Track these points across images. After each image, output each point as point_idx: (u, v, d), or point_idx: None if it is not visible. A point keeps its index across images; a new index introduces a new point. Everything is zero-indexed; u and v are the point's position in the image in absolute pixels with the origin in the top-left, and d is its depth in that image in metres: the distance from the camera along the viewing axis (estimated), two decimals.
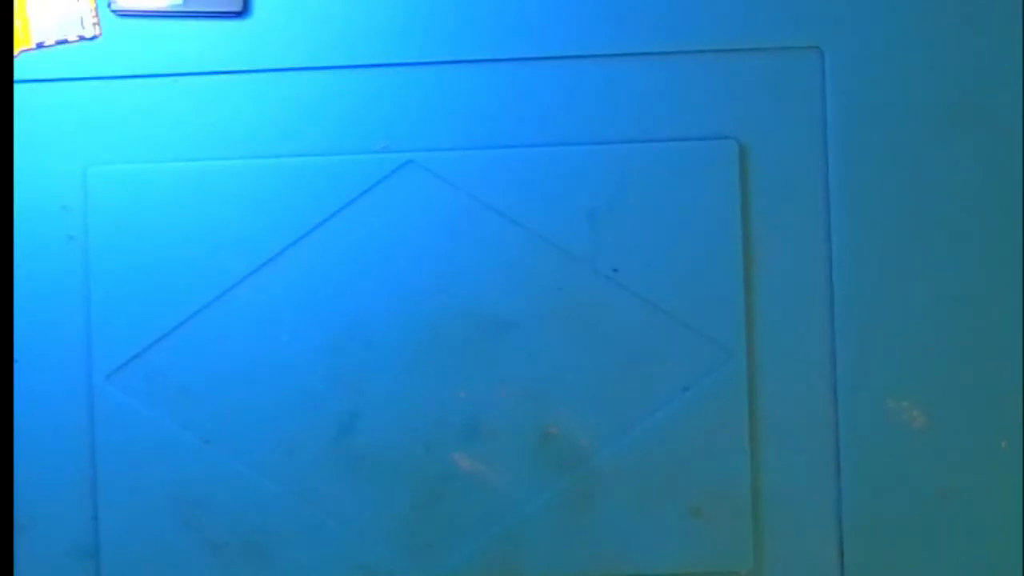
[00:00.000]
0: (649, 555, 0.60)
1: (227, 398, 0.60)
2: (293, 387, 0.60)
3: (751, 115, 0.61)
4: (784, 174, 0.61)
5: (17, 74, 0.60)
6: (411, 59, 0.61)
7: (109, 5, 0.60)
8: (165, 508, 0.60)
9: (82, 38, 0.61)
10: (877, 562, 0.60)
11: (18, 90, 0.60)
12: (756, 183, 0.61)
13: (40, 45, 0.61)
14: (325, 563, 0.60)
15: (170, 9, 0.60)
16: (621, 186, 0.60)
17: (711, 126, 0.61)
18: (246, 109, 0.61)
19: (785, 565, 0.60)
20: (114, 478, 0.60)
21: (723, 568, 0.60)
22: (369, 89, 0.61)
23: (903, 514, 0.60)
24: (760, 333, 0.60)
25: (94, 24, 0.61)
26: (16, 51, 0.60)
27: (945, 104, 0.61)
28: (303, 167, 0.61)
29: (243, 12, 0.61)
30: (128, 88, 0.61)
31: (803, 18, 0.61)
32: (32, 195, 0.61)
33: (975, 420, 0.60)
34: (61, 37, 0.61)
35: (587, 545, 0.60)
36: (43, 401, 0.60)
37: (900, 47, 0.61)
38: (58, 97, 0.61)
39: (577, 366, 0.60)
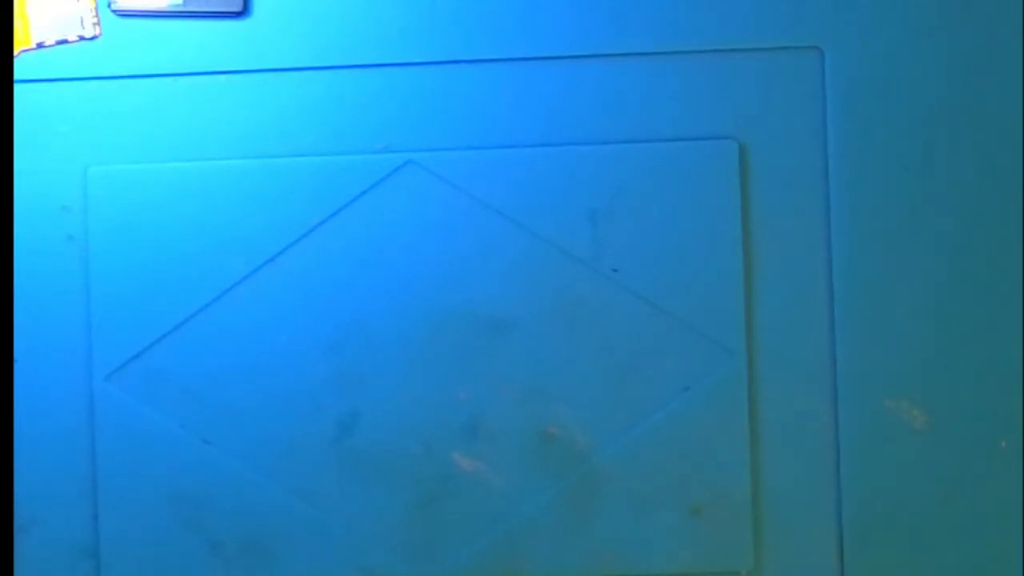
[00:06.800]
0: (649, 555, 0.60)
1: (227, 398, 0.60)
2: (293, 387, 0.60)
3: (751, 115, 0.61)
4: (784, 174, 0.61)
5: (17, 74, 0.60)
6: (411, 59, 0.61)
7: (109, 5, 0.60)
8: (165, 508, 0.60)
9: (82, 38, 0.61)
10: (877, 562, 0.60)
11: (18, 90, 0.60)
12: (756, 183, 0.61)
13: (40, 45, 0.61)
14: (325, 563, 0.60)
15: (170, 9, 0.60)
16: (621, 186, 0.60)
17: (711, 126, 0.61)
18: (246, 109, 0.61)
19: (785, 565, 0.60)
20: (114, 478, 0.60)
21: (723, 568, 0.60)
22: (369, 89, 0.61)
23: (903, 514, 0.60)
24: (760, 333, 0.60)
25: (94, 24, 0.61)
26: (16, 51, 0.60)
27: (945, 104, 0.61)
28: (303, 167, 0.61)
29: (243, 12, 0.61)
30: (128, 88, 0.61)
31: (803, 18, 0.61)
32: (32, 195, 0.61)
33: (975, 420, 0.60)
34: (61, 37, 0.61)
35: (587, 545, 0.60)
36: (43, 401, 0.60)
37: (900, 47, 0.61)
38: (58, 97, 0.61)
39: (577, 366, 0.60)
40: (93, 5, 0.61)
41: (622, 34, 0.61)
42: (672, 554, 0.60)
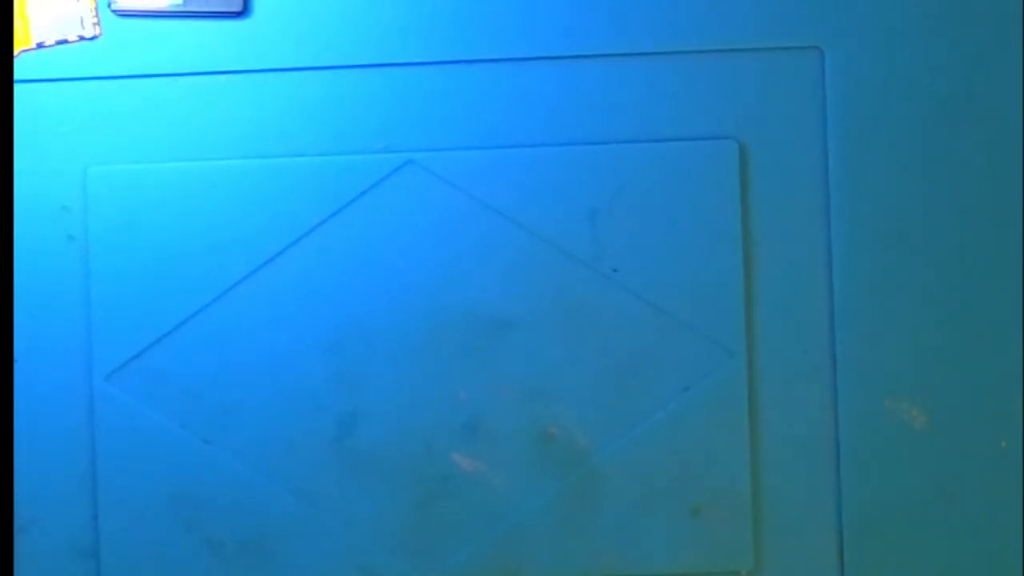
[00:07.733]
0: (649, 555, 0.60)
1: (227, 398, 0.60)
2: (293, 387, 0.60)
3: (751, 115, 0.61)
4: (784, 174, 0.61)
5: (17, 74, 0.60)
6: (411, 59, 0.61)
7: (109, 5, 0.61)
8: (165, 508, 0.60)
9: (82, 38, 0.61)
10: (877, 562, 0.60)
11: (18, 90, 0.60)
12: (756, 183, 0.61)
13: (40, 45, 0.61)
14: (325, 563, 0.60)
15: (170, 9, 0.60)
16: (621, 186, 0.60)
17: (711, 126, 0.61)
18: (246, 109, 0.61)
19: (785, 565, 0.60)
20: (114, 478, 0.60)
21: (723, 568, 0.60)
22: (369, 89, 0.61)
23: (903, 514, 0.60)
24: (760, 333, 0.60)
25: (94, 24, 0.61)
26: (16, 51, 0.60)
27: (945, 103, 0.61)
28: (303, 167, 0.61)
29: (243, 12, 0.61)
30: (128, 88, 0.61)
31: (803, 18, 0.61)
32: (32, 195, 0.61)
33: (975, 420, 0.60)
34: (61, 37, 0.61)
35: (587, 545, 0.60)
36: (43, 401, 0.60)
37: (900, 47, 0.61)
38: (58, 97, 0.61)
39: (577, 366, 0.60)
40: (93, 5, 0.61)
41: (622, 34, 0.61)
42: (672, 554, 0.60)
